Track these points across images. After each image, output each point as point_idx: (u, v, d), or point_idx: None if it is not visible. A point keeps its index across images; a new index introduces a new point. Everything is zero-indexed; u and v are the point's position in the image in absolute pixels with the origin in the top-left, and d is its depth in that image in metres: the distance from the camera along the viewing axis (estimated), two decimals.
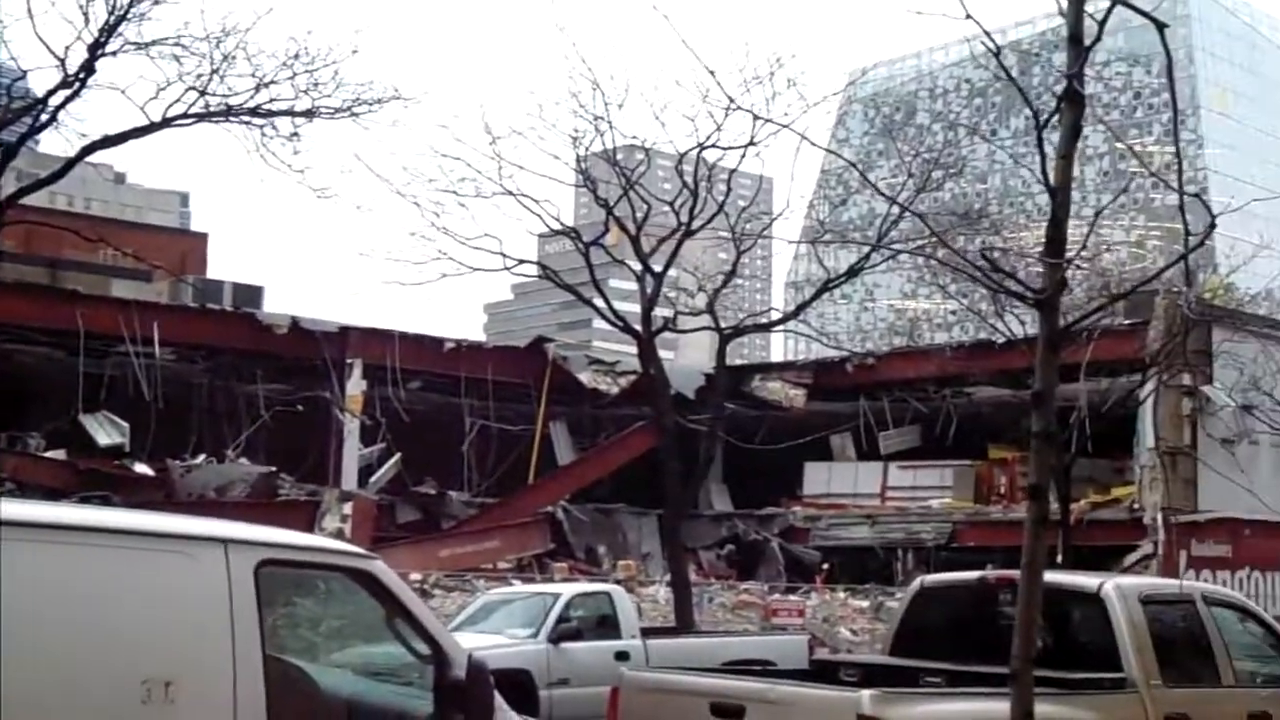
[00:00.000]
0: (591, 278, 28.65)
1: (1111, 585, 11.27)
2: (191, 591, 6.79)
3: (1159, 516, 35.58)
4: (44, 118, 25.34)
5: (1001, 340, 32.67)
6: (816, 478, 46.68)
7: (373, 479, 39.78)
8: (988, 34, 8.74)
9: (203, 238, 58.06)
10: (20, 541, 6.35)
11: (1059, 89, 7.84)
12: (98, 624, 6.47)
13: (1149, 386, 32.58)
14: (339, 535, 31.24)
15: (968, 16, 7.97)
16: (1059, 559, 25.11)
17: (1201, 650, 11.37)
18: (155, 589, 6.69)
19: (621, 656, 19.69)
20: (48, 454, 35.44)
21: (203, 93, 26.02)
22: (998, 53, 9.29)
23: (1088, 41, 7.92)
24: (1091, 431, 30.59)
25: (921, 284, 73.51)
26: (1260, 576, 35.13)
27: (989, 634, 10.82)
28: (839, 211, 42.80)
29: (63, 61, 24.49)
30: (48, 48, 24.72)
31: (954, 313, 61.76)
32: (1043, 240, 8.18)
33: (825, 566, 40.13)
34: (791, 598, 35.16)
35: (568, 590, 22.80)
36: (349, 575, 7.60)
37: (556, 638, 20.34)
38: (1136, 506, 36.87)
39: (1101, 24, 8.18)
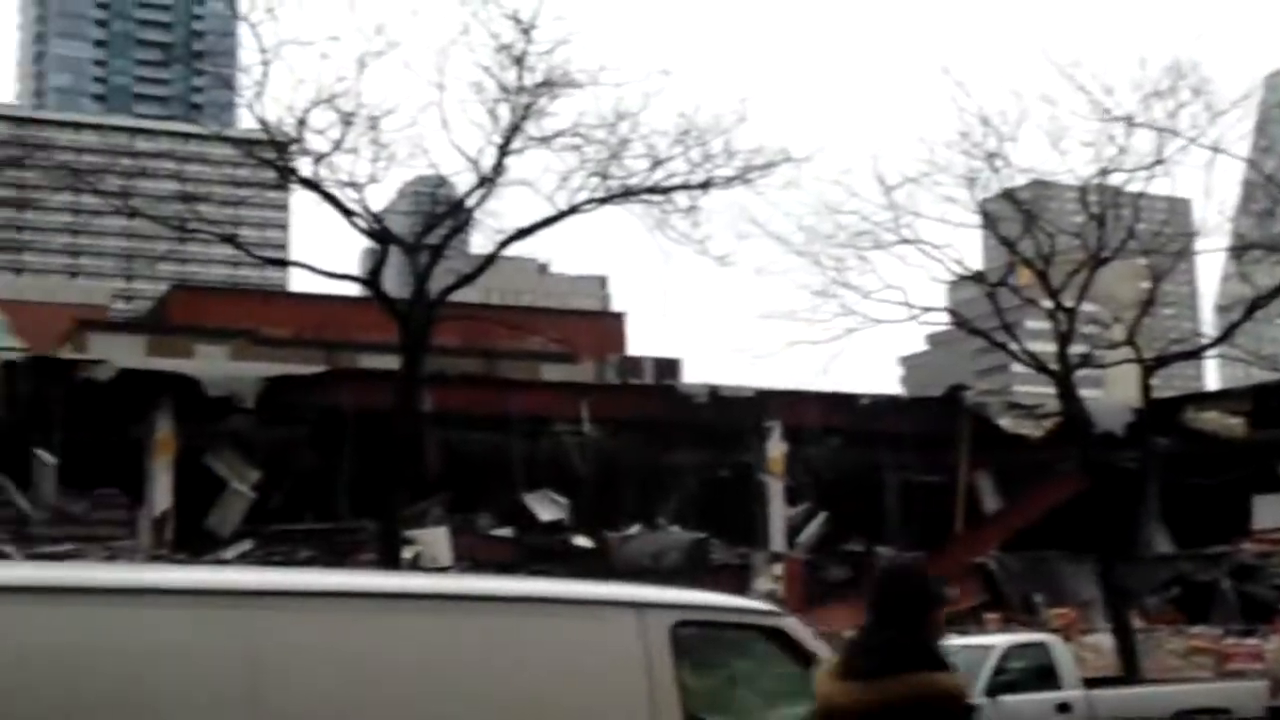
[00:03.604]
0: (1001, 321, 28.36)
1: None
2: (605, 655, 6.98)
3: None
4: (464, 218, 27.01)
5: None
6: (1267, 511, 44.30)
7: (800, 539, 40.22)
8: None
9: (621, 317, 60.20)
10: (432, 612, 6.78)
11: None
12: (512, 691, 6.73)
13: None
14: (770, 596, 31.77)
15: None
16: None
17: None
18: (568, 654, 6.90)
19: (1063, 709, 19.28)
20: (496, 532, 37.45)
21: (604, 177, 27.13)
22: None
23: None
24: None
25: None
26: None
27: None
28: (1268, 224, 40.72)
29: (476, 163, 26.10)
30: (462, 153, 26.36)
31: None
32: None
33: None
34: (1248, 641, 33.49)
35: (1002, 641, 22.14)
36: (762, 633, 7.63)
37: (993, 690, 20.04)
38: None
39: None
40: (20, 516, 34.49)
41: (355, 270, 33.11)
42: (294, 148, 25.80)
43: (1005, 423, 44.28)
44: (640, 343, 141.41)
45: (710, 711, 7.78)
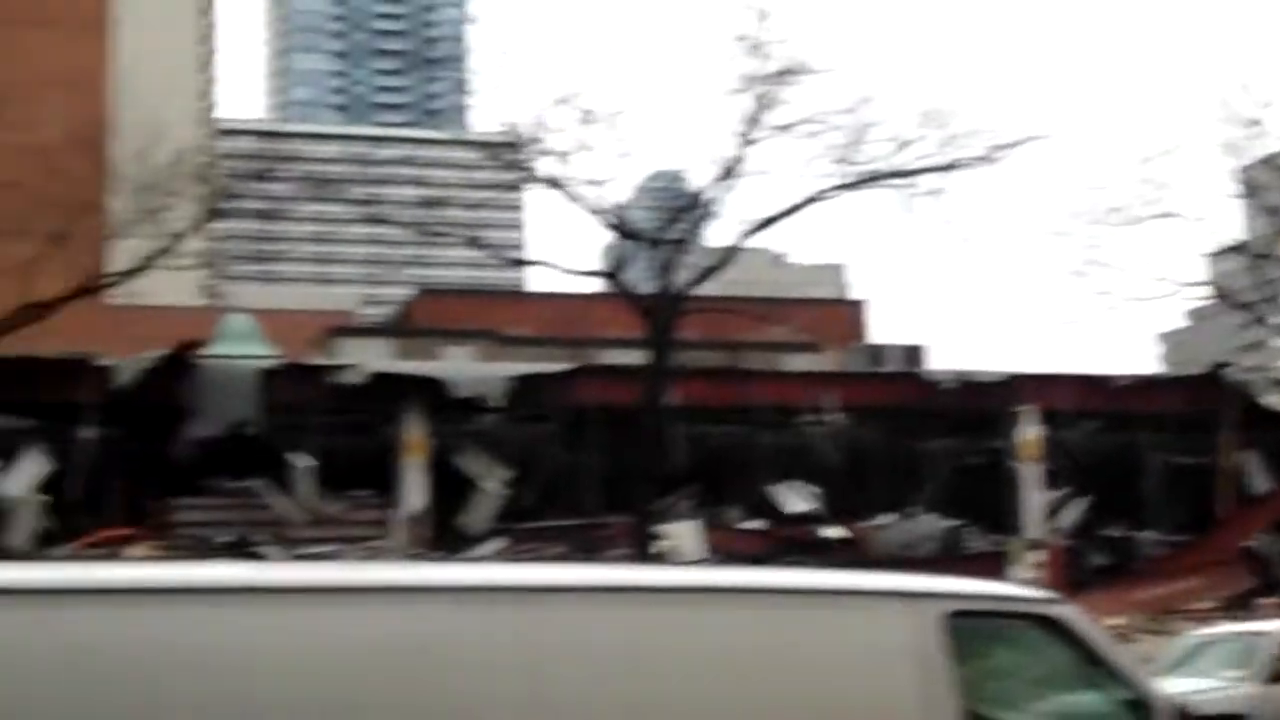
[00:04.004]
0: (1267, 293, 27.17)
1: None
2: (876, 647, 6.89)
3: None
4: (707, 210, 26.92)
5: None
6: None
7: (1057, 525, 39.14)
8: None
9: (861, 305, 59.69)
10: (701, 606, 6.76)
11: None
12: (783, 683, 6.67)
13: None
14: (1029, 584, 30.92)
15: None
16: None
17: None
18: (838, 646, 6.83)
19: None
20: (744, 525, 37.26)
21: (846, 163, 26.79)
22: None
23: None
24: None
25: None
26: None
27: None
28: None
29: (716, 156, 25.97)
30: (701, 146, 26.33)
31: None
32: None
33: None
34: None
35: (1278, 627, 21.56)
36: (1037, 622, 7.51)
37: (1272, 678, 19.27)
38: None
39: None
40: (280, 519, 35.43)
41: (594, 268, 33.42)
42: (533, 148, 26.00)
43: (1273, 400, 42.48)
44: (884, 330, 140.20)
45: (986, 705, 7.63)
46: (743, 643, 6.69)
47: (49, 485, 34.78)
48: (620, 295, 26.01)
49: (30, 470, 34.77)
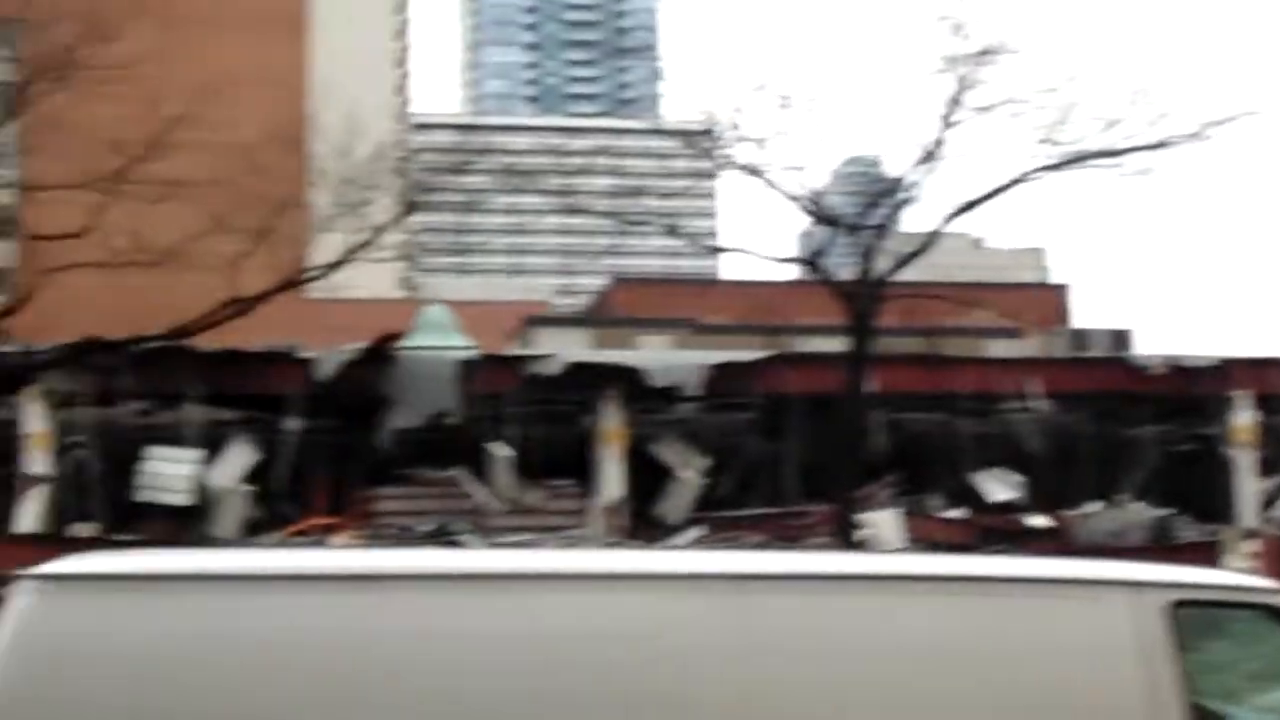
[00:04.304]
0: None
1: None
2: (1097, 637, 6.75)
3: None
4: (908, 195, 26.44)
5: None
6: None
7: (1273, 513, 37.77)
8: None
9: (1064, 290, 58.53)
10: (919, 595, 6.72)
11: None
12: (1002, 673, 6.60)
13: None
14: (1248, 574, 29.85)
15: None
16: None
17: None
18: (1058, 636, 6.71)
19: None
20: (946, 513, 36.63)
21: (1051, 144, 26.10)
22: None
23: None
24: None
25: None
26: None
27: None
28: None
29: (916, 141, 25.47)
30: (899, 132, 25.91)
31: None
32: None
33: None
34: None
35: None
36: (1264, 612, 7.29)
37: None
38: None
39: None
40: (479, 508, 35.73)
41: (789, 255, 33.20)
42: (731, 134, 25.77)
43: None
44: (1086, 315, 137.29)
45: (1210, 697, 7.43)
46: (964, 632, 6.64)
47: (255, 475, 35.58)
48: (820, 282, 25.68)
49: (237, 461, 35.59)
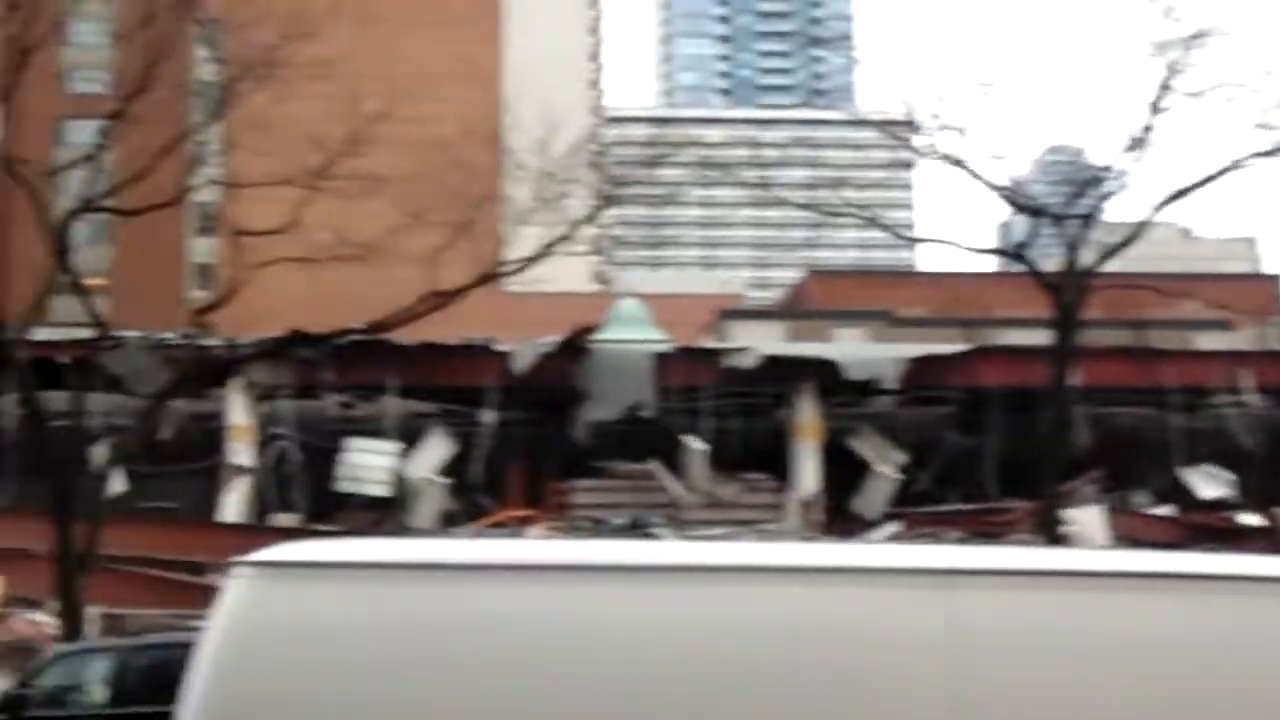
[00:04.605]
0: None
1: None
2: None
3: None
4: (1115, 183, 25.66)
5: None
6: None
7: None
8: None
9: (1275, 280, 56.68)
10: (1128, 591, 6.42)
11: None
12: (1218, 675, 6.31)
13: None
14: None
15: None
16: None
17: None
18: (1258, 638, 6.39)
19: None
20: (1153, 510, 35.64)
21: (1265, 129, 25.13)
22: None
23: None
24: None
25: None
26: None
27: None
28: None
29: (1123, 128, 24.72)
30: (1104, 119, 25.15)
31: None
32: None
33: None
34: None
35: None
36: None
37: None
38: None
39: None
40: (674, 501, 35.71)
41: (989, 246, 32.57)
42: (932, 124, 25.27)
43: None
44: None
45: None
46: (1170, 630, 6.38)
47: (451, 467, 36.02)
48: (1025, 273, 25.06)
49: (435, 453, 36.08)
